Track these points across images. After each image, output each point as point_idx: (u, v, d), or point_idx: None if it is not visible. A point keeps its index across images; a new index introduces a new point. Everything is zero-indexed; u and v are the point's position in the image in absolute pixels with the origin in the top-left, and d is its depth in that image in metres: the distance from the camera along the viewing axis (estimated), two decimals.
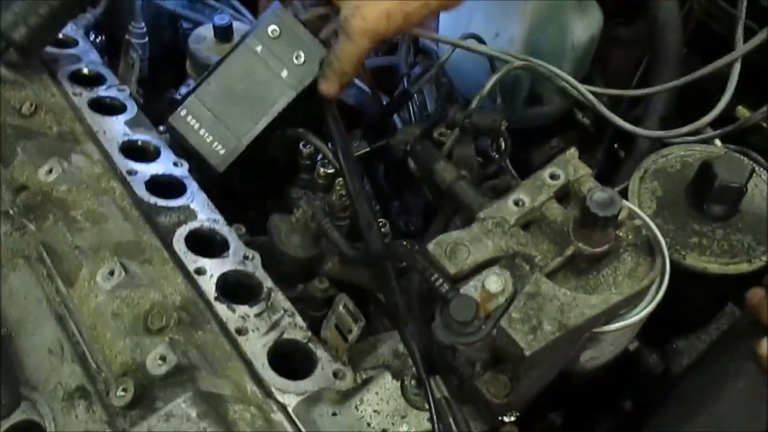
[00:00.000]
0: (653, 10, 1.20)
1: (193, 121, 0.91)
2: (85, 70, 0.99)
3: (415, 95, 1.19)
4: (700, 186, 0.79)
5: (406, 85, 1.19)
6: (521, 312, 0.61)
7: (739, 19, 1.04)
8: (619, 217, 0.64)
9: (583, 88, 1.10)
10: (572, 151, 0.72)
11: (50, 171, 0.78)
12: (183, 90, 1.15)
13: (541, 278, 0.63)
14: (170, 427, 0.58)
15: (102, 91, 0.97)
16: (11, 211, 0.74)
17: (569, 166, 0.71)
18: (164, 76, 1.30)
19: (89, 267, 0.70)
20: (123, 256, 0.72)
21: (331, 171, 0.97)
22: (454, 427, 0.63)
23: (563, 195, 0.71)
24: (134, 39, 1.17)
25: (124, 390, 0.61)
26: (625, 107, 1.28)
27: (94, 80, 0.99)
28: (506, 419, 0.70)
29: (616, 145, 1.30)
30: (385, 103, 1.17)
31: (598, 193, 0.62)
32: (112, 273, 0.68)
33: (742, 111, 1.09)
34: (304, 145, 1.01)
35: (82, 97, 0.93)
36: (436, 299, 0.64)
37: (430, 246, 0.65)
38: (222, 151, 0.90)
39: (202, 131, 0.91)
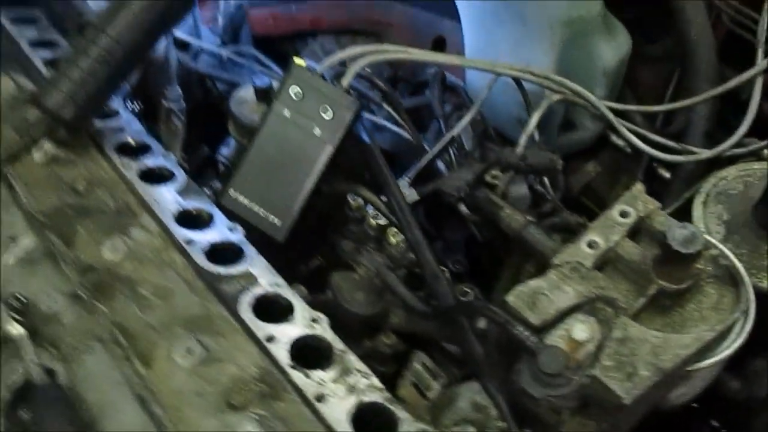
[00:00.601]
0: (682, 25, 1.20)
1: (243, 197, 0.91)
2: (132, 141, 1.00)
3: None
4: None
5: (442, 126, 1.19)
6: (613, 359, 0.60)
7: (762, 32, 1.05)
8: None
9: (617, 121, 1.09)
10: (638, 187, 0.71)
11: (114, 248, 0.78)
12: (224, 151, 1.16)
13: (628, 321, 0.62)
14: None
15: (150, 161, 0.97)
16: (81, 293, 0.74)
17: (638, 203, 0.70)
18: (194, 131, 1.32)
19: (164, 345, 0.69)
20: (195, 330, 0.71)
21: (383, 222, 0.97)
22: None
23: (634, 232, 0.70)
24: (171, 104, 1.18)
25: None
26: (660, 124, 1.28)
27: (140, 150, 0.99)
28: None
29: (655, 164, 1.29)
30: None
31: (677, 230, 0.61)
32: (189, 351, 0.68)
33: None
34: (352, 198, 1.01)
35: (131, 168, 0.94)
36: (521, 351, 0.63)
37: (510, 298, 0.64)
38: (278, 222, 0.90)
39: (254, 207, 0.91)
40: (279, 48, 1.63)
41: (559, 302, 0.63)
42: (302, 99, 0.91)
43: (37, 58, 1.13)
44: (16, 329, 0.69)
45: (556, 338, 0.62)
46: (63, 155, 0.90)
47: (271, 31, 1.70)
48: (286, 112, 0.91)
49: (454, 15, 1.44)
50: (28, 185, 0.86)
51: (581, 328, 0.61)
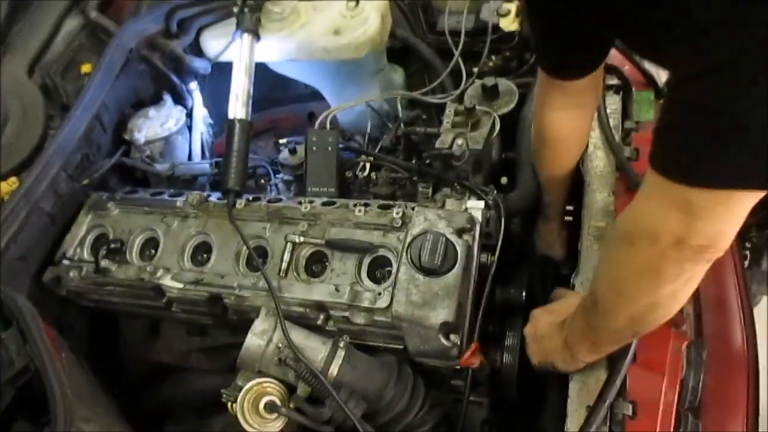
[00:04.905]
0: (419, 53, 2.67)
1: (315, 188, 2.14)
2: (249, 197, 2.15)
3: None
4: None
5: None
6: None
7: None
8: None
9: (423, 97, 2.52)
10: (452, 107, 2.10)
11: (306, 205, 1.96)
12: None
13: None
14: None
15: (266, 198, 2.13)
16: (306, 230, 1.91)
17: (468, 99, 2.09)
18: None
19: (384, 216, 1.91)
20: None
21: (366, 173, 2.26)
22: None
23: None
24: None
25: None
26: None
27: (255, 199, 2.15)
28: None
29: None
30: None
31: (500, 83, 2.00)
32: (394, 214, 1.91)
33: None
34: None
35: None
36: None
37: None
38: (333, 189, 2.14)
39: (322, 189, 2.13)
40: None
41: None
42: (317, 140, 2.17)
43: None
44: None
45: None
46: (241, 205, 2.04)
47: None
48: (314, 148, 2.17)
49: (317, 97, 2.78)
50: (248, 215, 1.99)
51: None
